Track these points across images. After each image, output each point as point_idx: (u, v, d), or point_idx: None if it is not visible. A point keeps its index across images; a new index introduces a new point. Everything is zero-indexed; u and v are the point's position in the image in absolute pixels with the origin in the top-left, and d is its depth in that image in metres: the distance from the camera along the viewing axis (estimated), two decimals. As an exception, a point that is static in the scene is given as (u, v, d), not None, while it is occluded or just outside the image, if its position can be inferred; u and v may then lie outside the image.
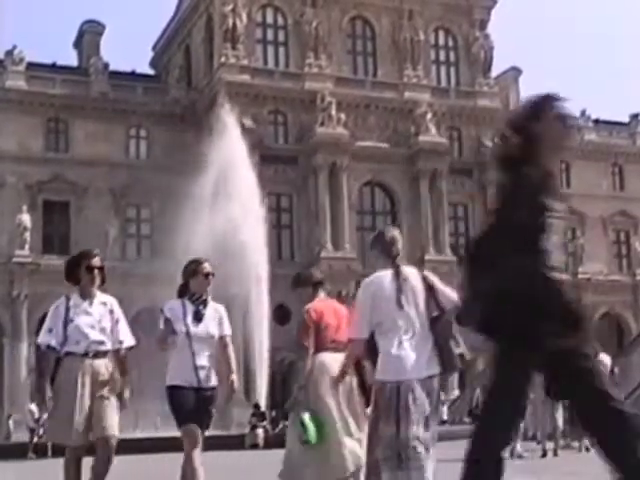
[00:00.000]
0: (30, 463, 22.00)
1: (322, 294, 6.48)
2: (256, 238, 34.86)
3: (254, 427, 24.41)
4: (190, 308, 6.31)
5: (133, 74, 50.66)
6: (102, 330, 6.20)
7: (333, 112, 45.00)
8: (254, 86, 45.16)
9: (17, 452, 23.23)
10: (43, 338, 6.18)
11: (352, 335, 5.25)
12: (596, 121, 56.46)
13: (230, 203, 32.53)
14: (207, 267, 6.42)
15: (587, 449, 14.20)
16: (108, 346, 6.22)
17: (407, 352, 4.96)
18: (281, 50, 47.50)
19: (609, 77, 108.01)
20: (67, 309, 6.20)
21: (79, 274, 6.30)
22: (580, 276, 51.33)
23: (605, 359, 15.92)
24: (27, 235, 42.26)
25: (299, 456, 6.05)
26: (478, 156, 48.58)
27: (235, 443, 22.00)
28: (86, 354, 6.12)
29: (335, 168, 44.67)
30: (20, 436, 29.24)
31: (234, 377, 6.39)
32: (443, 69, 50.43)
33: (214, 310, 6.43)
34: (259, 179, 36.53)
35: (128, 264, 40.74)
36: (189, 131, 43.27)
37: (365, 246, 46.40)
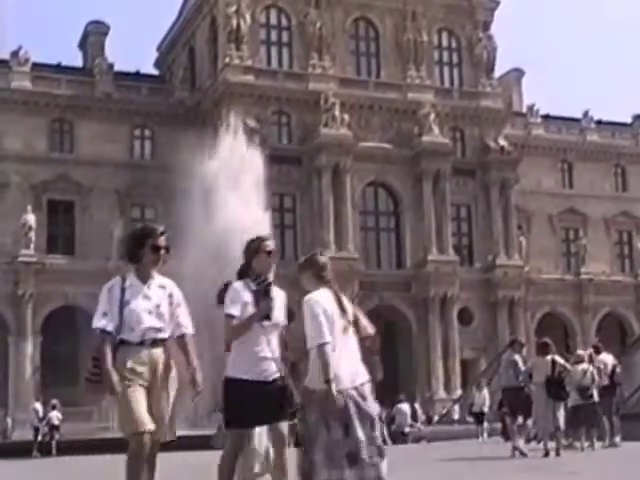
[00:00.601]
0: (36, 462, 22.08)
1: None
2: (259, 238, 34.82)
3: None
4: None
5: (138, 75, 50.82)
6: (159, 316, 5.53)
7: (337, 113, 45.05)
8: (258, 87, 45.21)
9: (20, 451, 23.32)
10: (98, 322, 5.44)
11: (319, 340, 5.39)
12: (599, 122, 56.53)
13: (233, 203, 32.54)
14: (270, 244, 6.02)
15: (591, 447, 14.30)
16: (166, 334, 5.54)
17: (346, 363, 5.43)
18: (285, 51, 47.54)
19: (612, 78, 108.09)
20: (122, 290, 5.53)
21: (142, 253, 5.64)
22: (582, 276, 51.50)
23: (607, 359, 15.99)
24: (32, 235, 42.34)
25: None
26: (481, 156, 48.67)
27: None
28: (142, 343, 5.45)
29: (338, 168, 44.73)
30: (22, 434, 29.28)
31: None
32: (446, 70, 50.46)
33: (279, 295, 5.97)
34: (263, 179, 36.57)
35: (132, 264, 40.76)
36: (193, 131, 43.28)
37: (369, 246, 46.57)
